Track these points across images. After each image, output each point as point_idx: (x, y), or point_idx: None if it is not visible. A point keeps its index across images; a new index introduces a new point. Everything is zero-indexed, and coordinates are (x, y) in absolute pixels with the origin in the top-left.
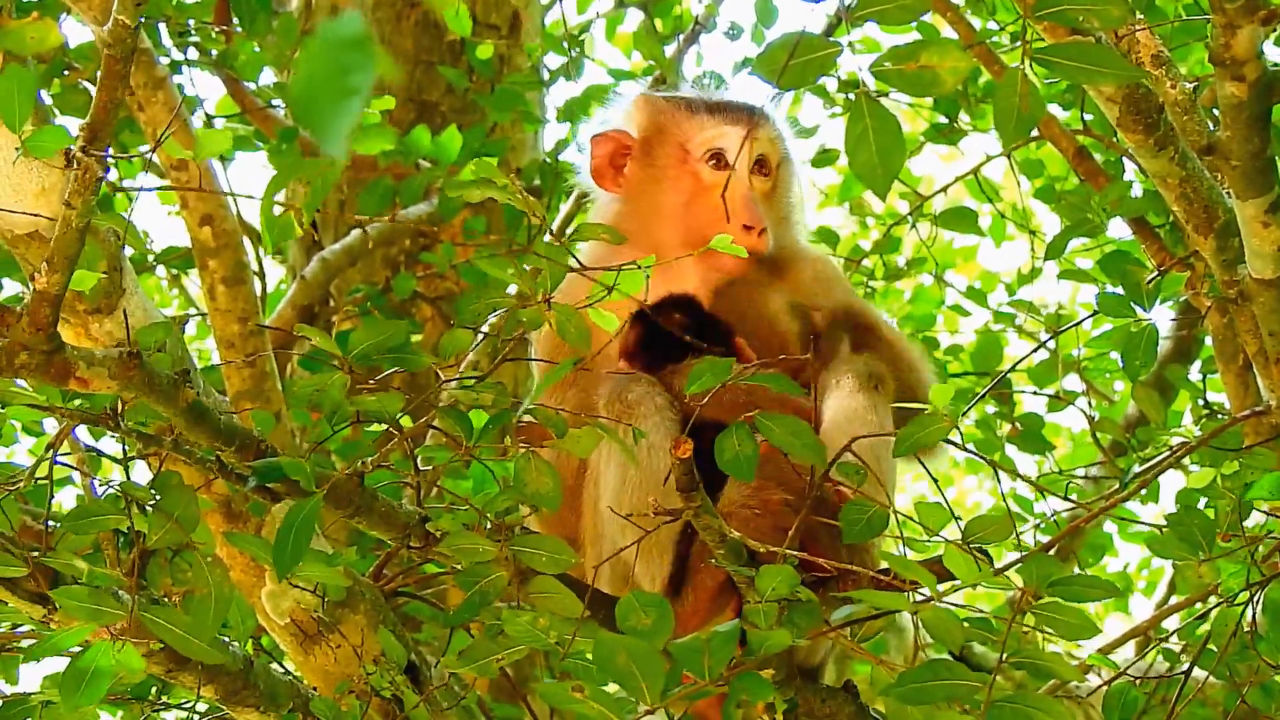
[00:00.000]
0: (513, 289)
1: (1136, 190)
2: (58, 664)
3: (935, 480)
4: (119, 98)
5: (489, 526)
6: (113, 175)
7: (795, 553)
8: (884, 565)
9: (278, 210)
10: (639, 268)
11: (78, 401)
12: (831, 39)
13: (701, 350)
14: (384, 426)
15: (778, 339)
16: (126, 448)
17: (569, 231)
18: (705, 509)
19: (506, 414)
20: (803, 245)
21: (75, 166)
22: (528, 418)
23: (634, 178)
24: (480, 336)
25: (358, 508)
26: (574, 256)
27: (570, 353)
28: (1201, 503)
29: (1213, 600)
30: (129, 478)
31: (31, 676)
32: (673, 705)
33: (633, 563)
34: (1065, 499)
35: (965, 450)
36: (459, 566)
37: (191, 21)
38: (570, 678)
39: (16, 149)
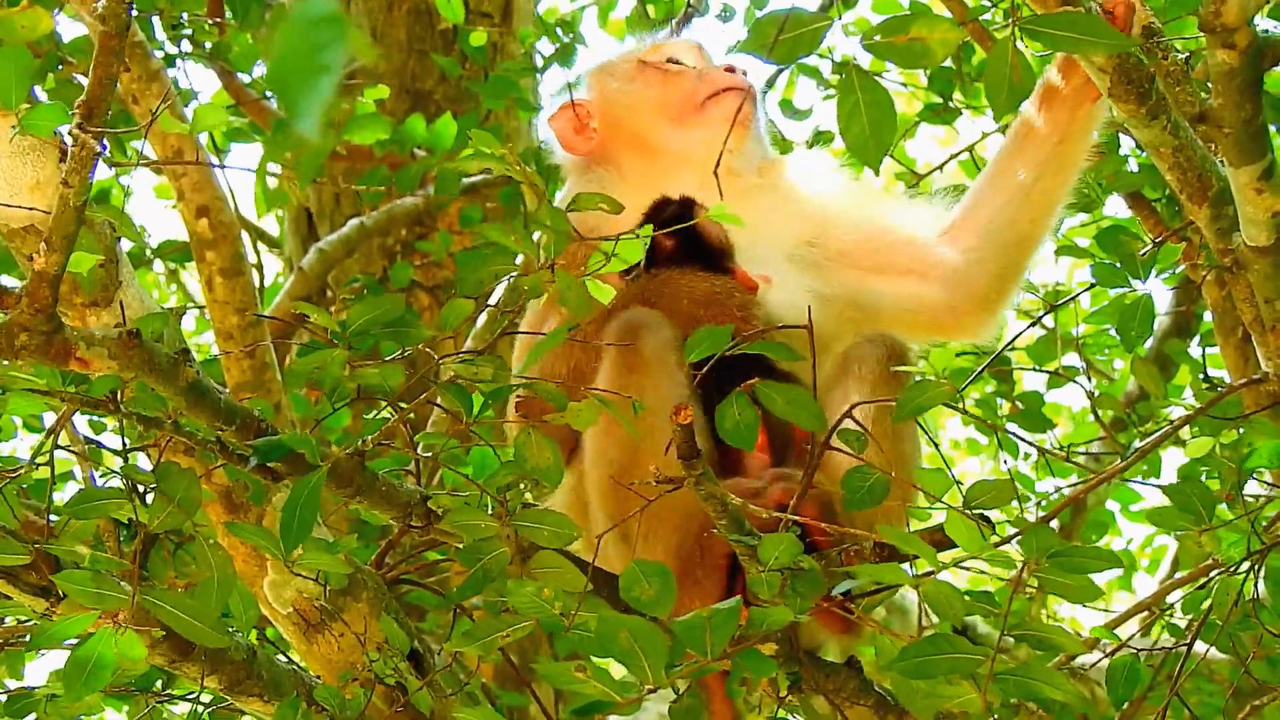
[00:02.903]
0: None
1: (1132, 165)
2: (62, 659)
3: (936, 445)
4: (114, 75)
5: (490, 504)
6: (110, 169)
7: (797, 518)
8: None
9: (271, 185)
10: (638, 236)
11: (75, 387)
12: (822, 14)
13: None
14: (385, 411)
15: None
16: (126, 439)
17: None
18: (707, 477)
19: (506, 389)
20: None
21: (72, 145)
22: (526, 392)
23: (606, 113)
24: (480, 315)
25: (358, 487)
26: (573, 228)
27: (559, 320)
28: (1202, 475)
29: (1214, 571)
30: (128, 461)
31: (37, 673)
32: (676, 682)
33: (635, 532)
34: (1073, 465)
35: (967, 417)
36: (460, 546)
37: (185, 15)
38: (577, 658)
39: (14, 128)
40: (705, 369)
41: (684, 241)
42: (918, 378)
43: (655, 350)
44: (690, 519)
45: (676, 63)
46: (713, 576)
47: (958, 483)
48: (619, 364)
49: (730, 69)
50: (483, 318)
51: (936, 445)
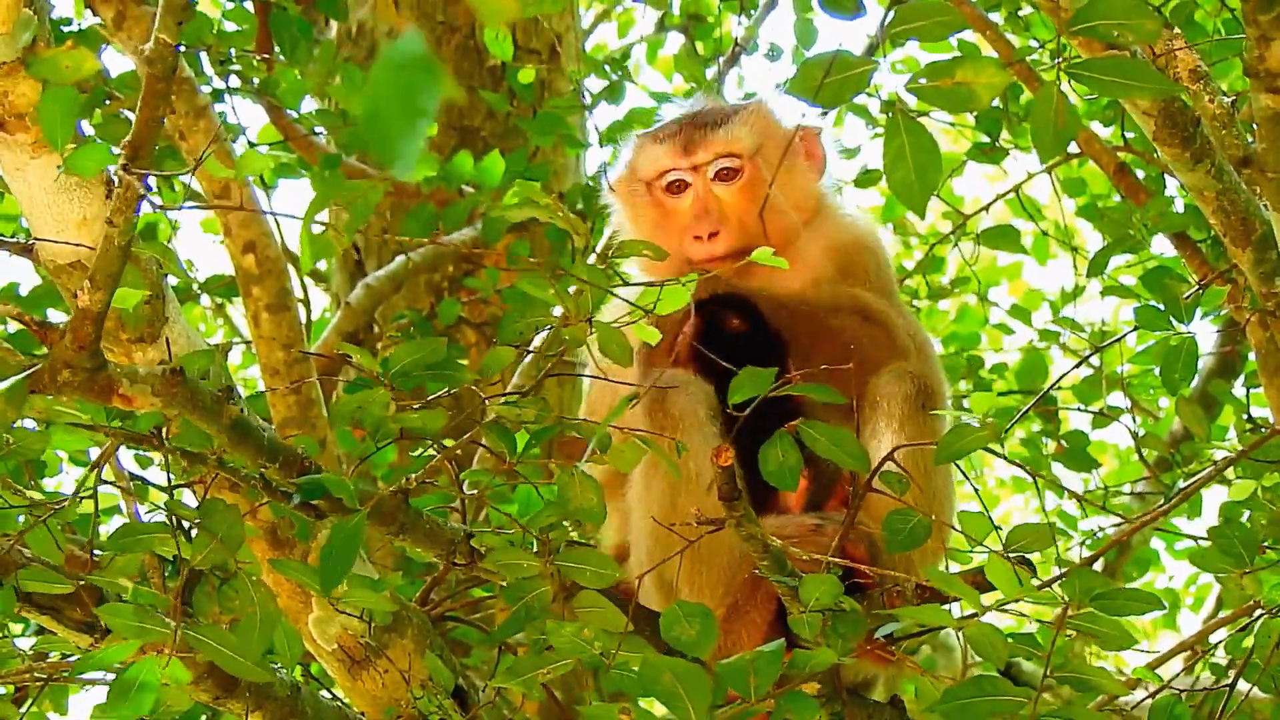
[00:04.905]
0: (556, 310)
1: (1178, 205)
2: (105, 694)
3: (977, 490)
4: (160, 116)
5: (535, 544)
6: (156, 203)
7: (838, 560)
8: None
9: (317, 230)
10: (681, 283)
11: (120, 422)
12: (870, 58)
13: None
14: (430, 450)
15: (823, 335)
16: (171, 475)
17: (611, 252)
18: (748, 518)
19: (550, 430)
20: (827, 218)
21: (117, 184)
22: (570, 433)
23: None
24: (526, 356)
25: (402, 525)
26: (619, 275)
27: (620, 369)
28: (1244, 515)
29: (1257, 613)
30: (173, 497)
31: (80, 707)
32: None
33: (676, 575)
34: (1109, 512)
35: (1008, 460)
36: (504, 584)
37: (233, 50)
38: (620, 698)
39: (59, 167)
40: (744, 416)
41: (749, 335)
42: (963, 419)
43: (684, 408)
44: (742, 555)
45: (673, 183)
46: (764, 613)
47: (997, 527)
48: (650, 424)
49: (697, 234)
50: (528, 357)
51: (977, 490)
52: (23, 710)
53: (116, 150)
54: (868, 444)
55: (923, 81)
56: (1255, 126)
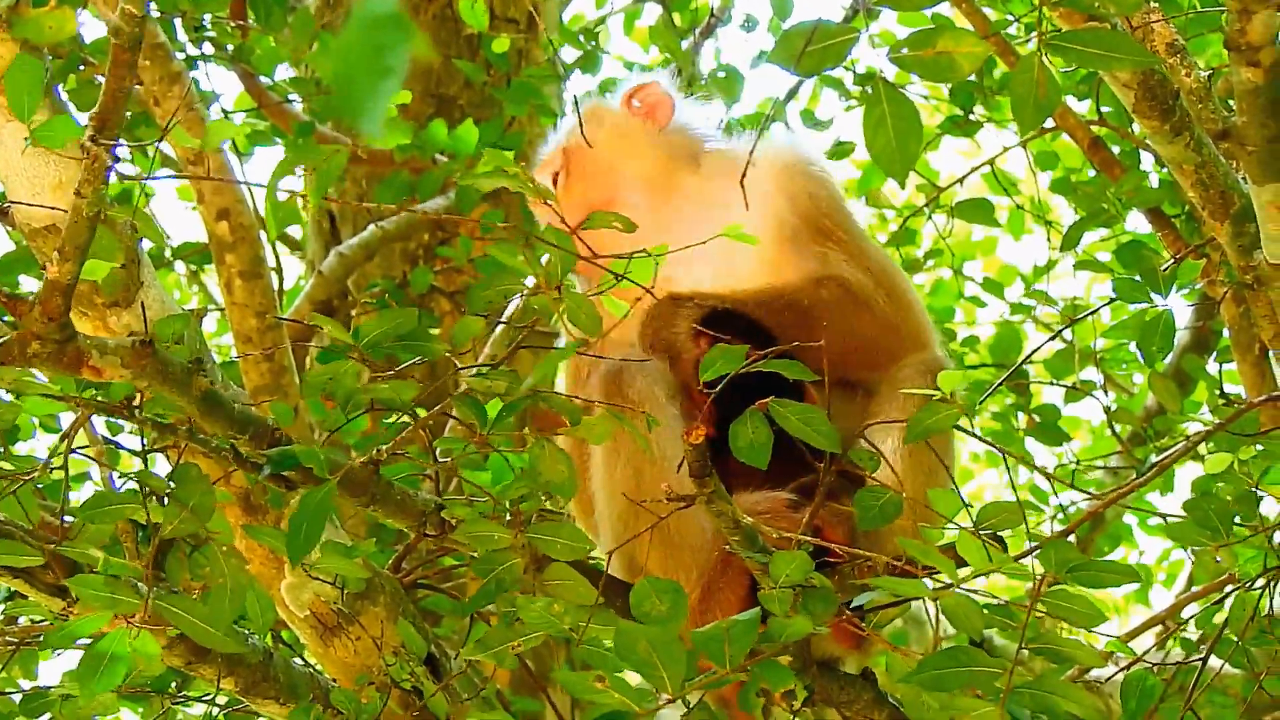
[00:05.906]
0: (530, 280)
1: (1153, 180)
2: (77, 659)
3: (947, 467)
4: (127, 86)
5: (507, 515)
6: (131, 170)
7: (809, 539)
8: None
9: (283, 196)
10: (649, 255)
11: (93, 392)
12: (848, 26)
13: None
14: (402, 419)
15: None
16: (144, 440)
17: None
18: (719, 495)
19: (521, 402)
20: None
21: (85, 156)
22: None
23: None
24: (496, 326)
25: (373, 496)
26: (586, 245)
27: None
28: (1219, 488)
29: (1230, 587)
30: (146, 468)
31: (51, 673)
32: (692, 693)
33: (645, 559)
34: (1081, 491)
35: (977, 438)
36: (475, 554)
37: (207, 16)
38: (591, 669)
39: (25, 139)
40: (714, 393)
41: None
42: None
43: (642, 390)
44: (714, 536)
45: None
46: (737, 590)
47: (967, 505)
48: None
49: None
50: (499, 329)
51: (948, 468)
52: None
53: (84, 121)
54: (876, 436)
55: (905, 51)
56: (1232, 101)
